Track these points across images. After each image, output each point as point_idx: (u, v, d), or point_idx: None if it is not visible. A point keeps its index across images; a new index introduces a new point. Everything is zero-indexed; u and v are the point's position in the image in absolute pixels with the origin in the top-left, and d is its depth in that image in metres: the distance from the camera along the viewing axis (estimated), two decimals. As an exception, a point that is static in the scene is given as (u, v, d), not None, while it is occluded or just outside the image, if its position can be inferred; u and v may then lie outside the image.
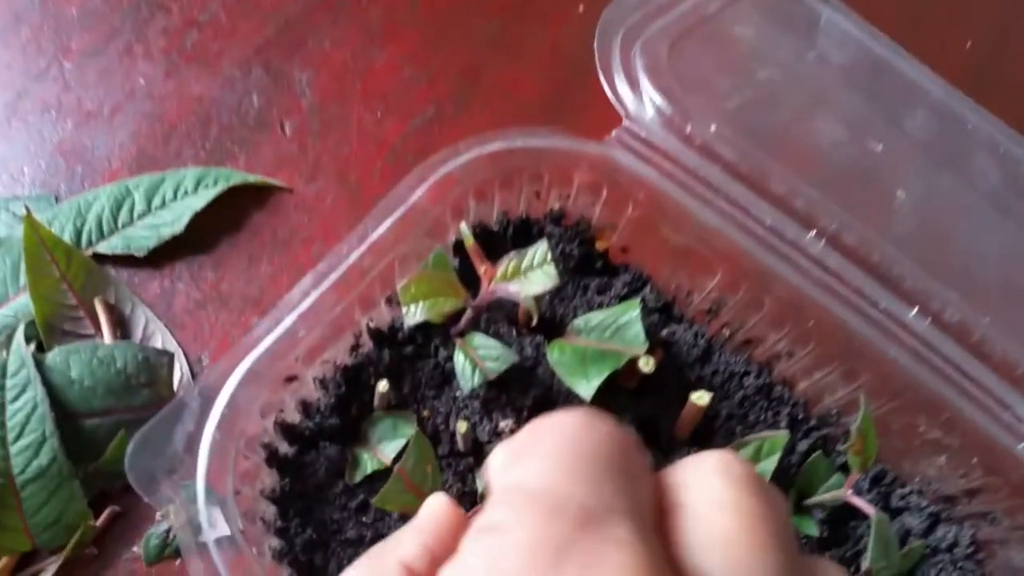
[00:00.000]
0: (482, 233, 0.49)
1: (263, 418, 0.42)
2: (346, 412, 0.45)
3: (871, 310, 0.45)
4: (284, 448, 0.44)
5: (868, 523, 0.46)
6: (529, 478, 0.24)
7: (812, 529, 0.46)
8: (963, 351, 0.45)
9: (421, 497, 0.42)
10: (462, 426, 0.44)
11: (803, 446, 0.48)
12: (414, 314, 0.42)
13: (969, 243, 0.52)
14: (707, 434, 0.48)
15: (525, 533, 0.22)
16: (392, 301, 0.46)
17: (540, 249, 0.43)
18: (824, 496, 0.45)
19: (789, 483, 0.47)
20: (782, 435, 0.46)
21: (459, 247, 0.49)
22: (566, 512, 0.22)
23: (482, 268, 0.43)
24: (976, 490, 0.45)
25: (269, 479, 0.43)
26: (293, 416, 0.44)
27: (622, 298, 0.50)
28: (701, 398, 0.44)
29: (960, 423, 0.43)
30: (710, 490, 0.25)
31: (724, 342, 0.49)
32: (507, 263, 0.43)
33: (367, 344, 0.46)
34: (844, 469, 0.48)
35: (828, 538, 0.46)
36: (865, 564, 0.45)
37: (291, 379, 0.42)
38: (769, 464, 0.45)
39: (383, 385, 0.44)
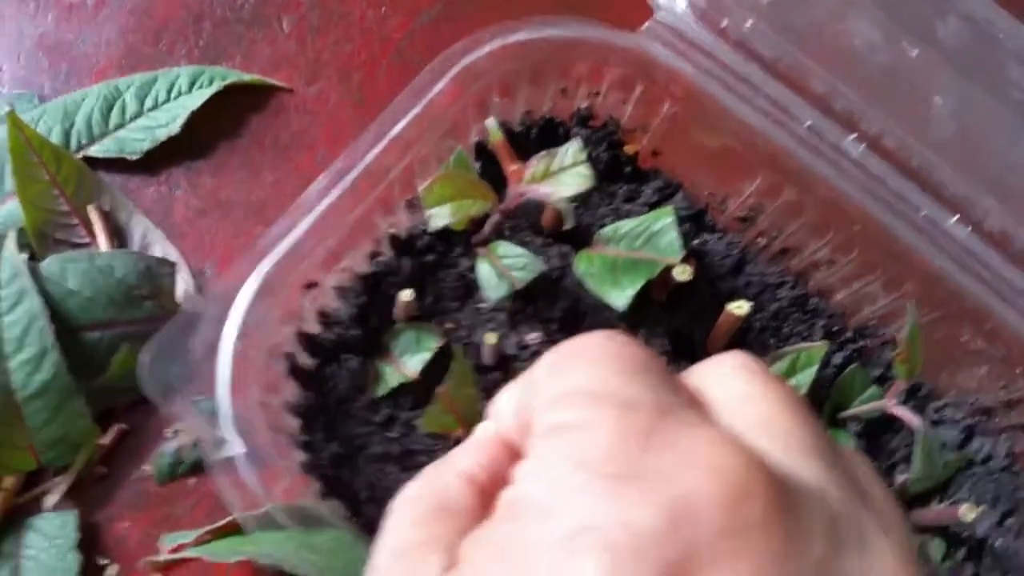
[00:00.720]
0: (504, 134, 0.46)
1: (281, 326, 0.39)
2: (366, 323, 0.43)
3: (914, 216, 0.43)
4: (305, 360, 0.41)
5: (903, 437, 0.45)
6: (586, 382, 0.24)
7: (848, 442, 0.45)
8: (1005, 260, 0.44)
9: (460, 419, 0.41)
10: (491, 338, 0.41)
11: (838, 359, 0.46)
12: (439, 217, 0.40)
13: (1004, 153, 0.50)
14: (740, 347, 0.46)
15: (607, 425, 0.22)
16: (413, 206, 0.43)
17: (573, 148, 0.41)
18: (861, 408, 0.44)
19: (824, 396, 0.46)
20: (820, 346, 0.44)
21: (480, 150, 0.46)
22: (640, 406, 0.22)
23: (512, 167, 0.40)
24: (1016, 401, 0.44)
25: (291, 391, 0.41)
26: (313, 327, 0.42)
27: (651, 206, 0.47)
28: (740, 307, 0.42)
29: (1004, 332, 0.42)
30: (737, 386, 0.25)
31: (759, 252, 0.47)
32: (537, 163, 0.41)
33: (387, 252, 0.44)
34: (880, 382, 0.46)
35: (864, 452, 0.45)
36: (901, 477, 0.44)
37: (311, 286, 0.40)
38: (805, 376, 0.44)
39: (407, 294, 0.41)
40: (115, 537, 0.47)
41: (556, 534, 0.20)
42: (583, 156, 0.40)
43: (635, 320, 0.45)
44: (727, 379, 0.26)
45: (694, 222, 0.47)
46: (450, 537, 0.24)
